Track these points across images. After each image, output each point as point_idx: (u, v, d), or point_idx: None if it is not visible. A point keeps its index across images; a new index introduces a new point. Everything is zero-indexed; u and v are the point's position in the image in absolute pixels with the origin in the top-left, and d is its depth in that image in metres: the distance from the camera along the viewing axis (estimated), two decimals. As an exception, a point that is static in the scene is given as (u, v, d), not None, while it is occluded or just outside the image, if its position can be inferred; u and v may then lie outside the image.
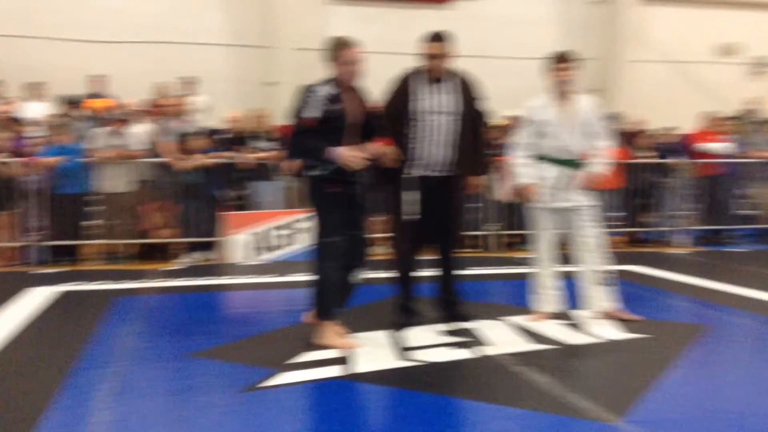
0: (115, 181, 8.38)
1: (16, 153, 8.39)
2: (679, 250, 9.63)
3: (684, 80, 15.55)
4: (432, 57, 4.78)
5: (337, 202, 4.43)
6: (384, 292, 5.88)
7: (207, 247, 8.85)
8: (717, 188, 10.19)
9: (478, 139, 4.98)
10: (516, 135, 5.24)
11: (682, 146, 10.26)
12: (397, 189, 4.80)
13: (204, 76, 11.76)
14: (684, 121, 11.62)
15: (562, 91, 4.97)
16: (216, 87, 12.46)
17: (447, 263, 5.08)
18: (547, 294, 5.12)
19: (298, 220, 8.47)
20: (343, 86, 4.44)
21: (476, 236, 9.32)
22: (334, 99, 4.35)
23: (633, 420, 3.16)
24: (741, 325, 5.16)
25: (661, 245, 10.07)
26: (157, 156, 8.74)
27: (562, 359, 4.26)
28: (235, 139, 8.88)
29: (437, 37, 4.79)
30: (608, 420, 3.16)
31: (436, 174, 4.85)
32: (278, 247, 8.44)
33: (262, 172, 8.89)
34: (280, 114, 12.48)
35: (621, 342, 4.59)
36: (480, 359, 4.18)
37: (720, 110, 11.78)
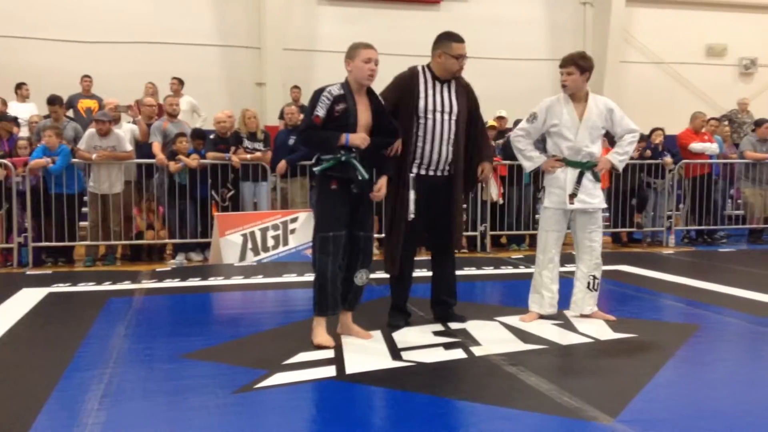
0: (105, 182, 8.34)
1: (6, 154, 8.34)
2: (669, 250, 9.69)
3: (672, 81, 15.64)
4: (462, 57, 4.81)
5: (338, 199, 4.44)
6: (376, 292, 5.89)
7: (199, 248, 8.83)
8: (706, 188, 10.25)
9: (482, 133, 5.09)
10: (520, 126, 5.24)
11: (671, 147, 10.32)
12: (396, 188, 4.79)
13: (193, 76, 11.76)
14: (673, 122, 11.70)
15: (568, 95, 4.99)
16: (205, 87, 12.46)
17: (445, 264, 5.08)
18: (546, 296, 5.12)
19: (289, 221, 8.46)
20: (355, 88, 4.47)
21: (466, 237, 9.34)
22: (339, 99, 4.40)
23: (626, 420, 3.16)
24: (731, 324, 5.18)
25: (650, 245, 10.12)
26: (146, 157, 8.72)
27: (555, 359, 4.27)
28: (226, 139, 8.85)
29: (462, 38, 4.83)
30: (602, 420, 3.17)
31: (438, 174, 4.86)
32: (269, 248, 8.42)
33: (252, 172, 8.88)
34: (269, 114, 12.55)
35: (613, 342, 4.60)
36: (474, 360, 4.18)
37: (708, 111, 11.87)
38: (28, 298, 6.13)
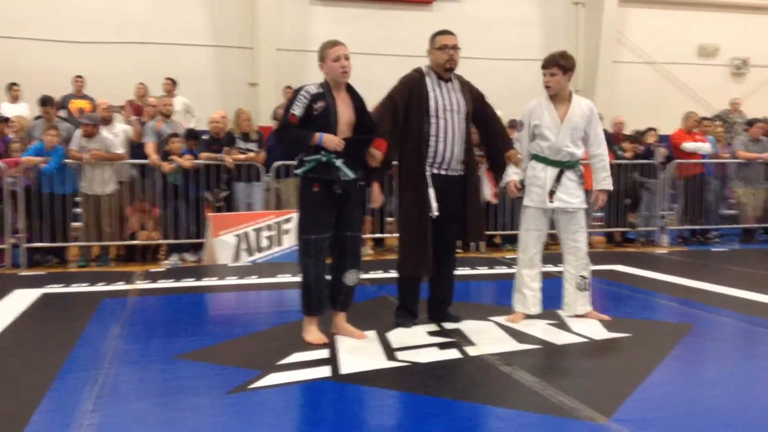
0: (98, 183, 8.32)
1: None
2: (662, 249, 9.71)
3: (665, 81, 15.68)
4: (453, 47, 4.81)
5: (321, 201, 4.42)
6: (370, 292, 5.89)
7: (192, 248, 8.82)
8: (699, 188, 10.28)
9: (497, 122, 5.15)
10: (515, 137, 5.27)
11: (665, 146, 10.35)
12: (412, 188, 4.80)
13: (186, 76, 11.72)
14: (665, 122, 11.74)
15: (550, 95, 5.00)
16: (198, 88, 12.43)
17: (447, 264, 5.06)
18: (528, 295, 5.13)
19: (282, 221, 8.45)
20: (332, 87, 4.45)
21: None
22: (317, 97, 4.38)
23: (621, 419, 3.17)
24: (725, 323, 5.20)
25: (644, 245, 10.15)
26: (139, 157, 8.70)
27: (550, 359, 4.27)
28: (219, 139, 8.84)
29: (449, 31, 4.86)
30: (597, 419, 3.17)
31: (450, 173, 4.86)
32: (263, 248, 8.41)
33: (246, 172, 8.86)
34: (262, 114, 12.53)
35: (607, 342, 4.62)
36: (469, 359, 4.18)
37: (701, 111, 11.91)
38: (21, 299, 6.10)
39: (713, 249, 9.80)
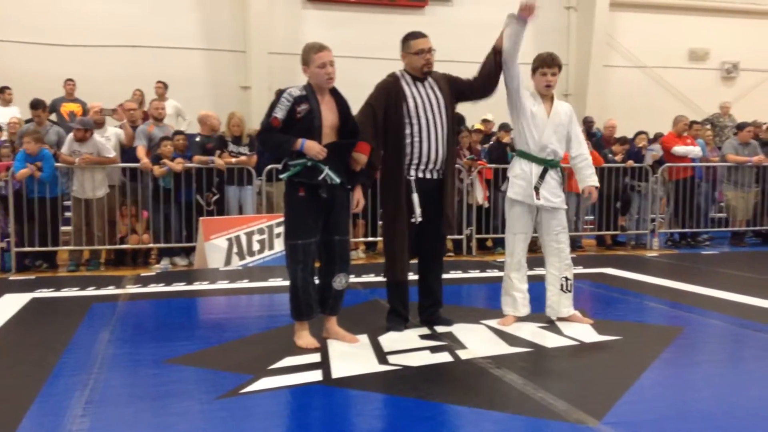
0: (89, 187, 8.29)
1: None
2: (653, 252, 9.74)
3: (655, 85, 15.76)
4: (428, 51, 4.80)
5: (307, 206, 4.40)
6: (362, 296, 5.89)
7: (183, 252, 8.80)
8: (689, 191, 10.32)
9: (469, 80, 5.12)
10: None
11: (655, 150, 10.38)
12: (393, 194, 4.79)
13: (178, 80, 11.73)
14: (655, 126, 11.79)
15: (542, 93, 5.03)
16: (190, 91, 12.42)
17: (433, 269, 5.06)
18: (518, 297, 5.14)
19: (274, 225, 8.44)
20: (316, 90, 4.42)
21: (452, 240, 9.36)
22: (300, 100, 4.35)
23: (612, 422, 3.18)
24: (715, 326, 5.22)
25: (634, 248, 10.18)
26: (132, 161, 8.67)
27: (540, 362, 4.28)
28: (210, 143, 8.82)
29: (422, 33, 4.85)
30: (587, 422, 3.18)
31: (429, 176, 4.84)
32: (255, 252, 8.40)
33: (237, 176, 8.85)
34: (255, 118, 12.51)
35: (597, 344, 4.63)
36: (460, 363, 4.18)
37: (691, 115, 11.96)
38: (11, 304, 6.07)
39: (703, 252, 9.83)
